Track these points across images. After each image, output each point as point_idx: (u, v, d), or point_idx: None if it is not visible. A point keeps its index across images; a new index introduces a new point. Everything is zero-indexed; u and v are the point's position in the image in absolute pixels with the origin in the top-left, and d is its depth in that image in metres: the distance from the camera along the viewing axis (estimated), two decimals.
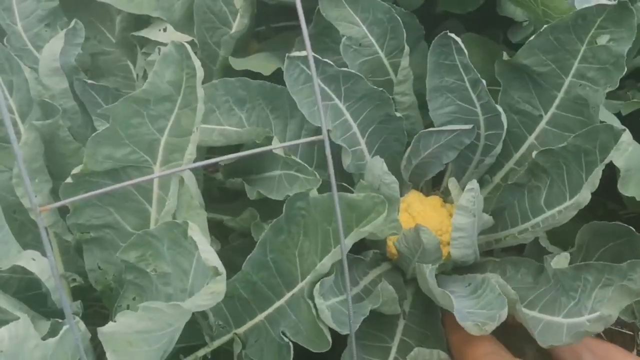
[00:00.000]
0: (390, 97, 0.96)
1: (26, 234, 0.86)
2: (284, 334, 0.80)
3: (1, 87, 0.86)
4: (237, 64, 1.05)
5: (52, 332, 0.67)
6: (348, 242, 0.77)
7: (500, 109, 0.94)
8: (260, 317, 0.83)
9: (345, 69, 0.94)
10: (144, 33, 1.10)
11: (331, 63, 0.92)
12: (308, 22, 1.03)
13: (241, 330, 0.83)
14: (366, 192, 0.79)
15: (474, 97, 0.95)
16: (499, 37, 1.20)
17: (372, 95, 0.96)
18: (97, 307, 0.86)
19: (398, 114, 0.97)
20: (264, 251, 0.82)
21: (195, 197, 0.79)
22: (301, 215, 0.80)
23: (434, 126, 0.99)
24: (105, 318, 0.83)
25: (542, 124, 0.96)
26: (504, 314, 0.78)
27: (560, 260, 0.87)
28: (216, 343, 0.83)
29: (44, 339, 0.63)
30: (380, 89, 0.96)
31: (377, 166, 0.89)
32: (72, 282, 0.84)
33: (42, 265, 0.73)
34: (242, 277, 0.83)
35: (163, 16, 1.07)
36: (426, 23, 1.06)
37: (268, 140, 0.93)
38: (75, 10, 1.12)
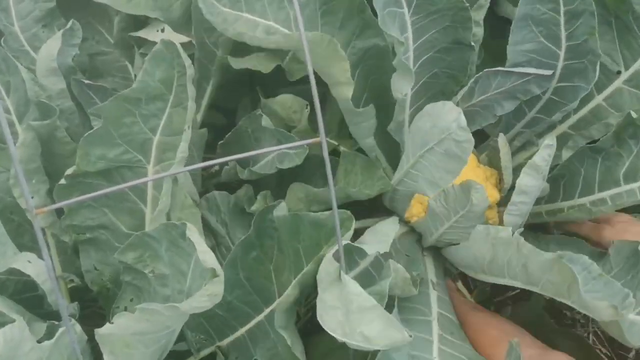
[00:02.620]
0: (471, 19, 0.82)
1: (23, 234, 0.86)
2: None
3: None
4: (236, 63, 1.04)
5: (48, 335, 0.66)
6: (312, 267, 0.72)
7: (599, 52, 0.80)
8: (241, 331, 0.80)
9: None
10: (141, 34, 1.10)
11: None
12: None
13: (224, 342, 0.82)
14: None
15: (562, 35, 0.82)
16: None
17: (448, 12, 0.81)
18: (95, 307, 0.86)
19: (472, 43, 0.82)
20: (234, 270, 0.78)
21: (190, 195, 0.78)
22: (274, 228, 0.76)
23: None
24: (102, 319, 0.83)
25: (618, 82, 0.86)
26: None
27: None
28: (201, 354, 0.82)
29: (40, 341, 0.63)
30: (466, 4, 0.81)
31: (448, 113, 0.71)
32: (69, 283, 0.84)
33: (38, 268, 0.73)
34: None
35: (161, 17, 1.06)
36: None
37: None
38: (73, 10, 1.12)
